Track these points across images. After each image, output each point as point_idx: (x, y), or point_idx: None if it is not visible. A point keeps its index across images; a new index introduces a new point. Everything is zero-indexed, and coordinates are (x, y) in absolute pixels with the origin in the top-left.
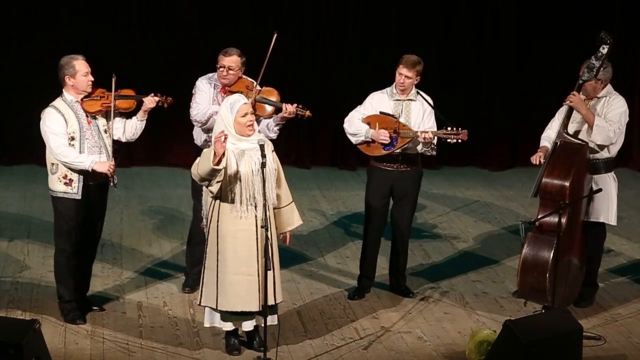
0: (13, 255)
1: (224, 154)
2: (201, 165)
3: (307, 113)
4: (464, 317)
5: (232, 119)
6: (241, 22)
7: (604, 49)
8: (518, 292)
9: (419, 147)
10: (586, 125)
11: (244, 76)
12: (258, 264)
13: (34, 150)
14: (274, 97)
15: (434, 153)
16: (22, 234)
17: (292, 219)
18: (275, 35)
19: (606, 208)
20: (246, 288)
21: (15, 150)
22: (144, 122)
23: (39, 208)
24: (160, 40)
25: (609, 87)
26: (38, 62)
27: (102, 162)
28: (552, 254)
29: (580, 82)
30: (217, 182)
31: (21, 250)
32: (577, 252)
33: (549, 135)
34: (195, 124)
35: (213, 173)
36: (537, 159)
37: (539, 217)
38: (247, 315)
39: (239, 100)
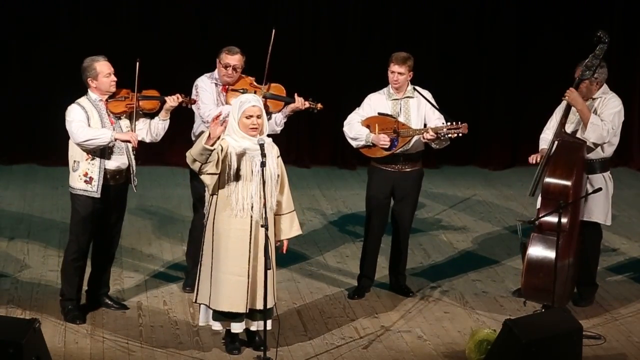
0: (13, 254)
1: (222, 140)
2: (195, 145)
3: (319, 106)
4: (464, 317)
5: (237, 117)
6: (240, 19)
7: (602, 48)
8: (522, 292)
9: (433, 145)
10: (582, 124)
11: (242, 74)
12: (249, 265)
13: (34, 150)
14: (282, 93)
15: (447, 143)
16: (22, 233)
17: (291, 228)
18: (274, 31)
19: (600, 208)
20: (235, 288)
21: (15, 150)
22: (167, 121)
23: (39, 207)
24: (160, 38)
25: (605, 87)
26: (39, 62)
27: (124, 132)
28: (558, 254)
29: (577, 80)
30: (210, 173)
31: (21, 250)
32: (575, 251)
33: (548, 136)
34: (207, 124)
35: (203, 152)
36: (534, 158)
37: (540, 216)
38: (235, 316)
39: (249, 101)
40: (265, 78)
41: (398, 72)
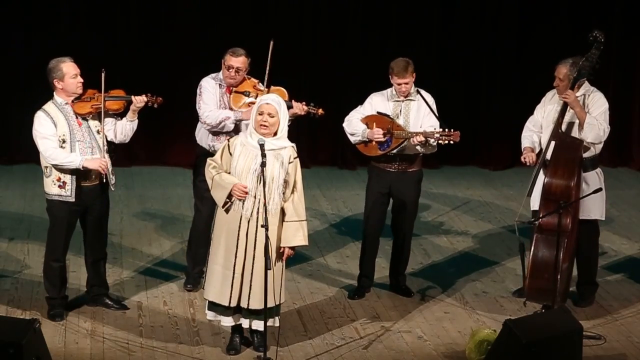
0: (13, 254)
1: (230, 197)
2: (216, 189)
3: (320, 111)
4: (464, 317)
5: (254, 113)
6: (241, 19)
7: (597, 48)
8: (525, 294)
9: (418, 148)
10: (577, 123)
11: (247, 76)
12: (235, 259)
13: (34, 150)
14: (284, 97)
15: (434, 150)
16: (22, 233)
17: (294, 237)
18: (272, 42)
19: (597, 205)
20: (220, 280)
21: (15, 150)
22: (135, 122)
23: (39, 207)
24: (160, 40)
25: (586, 83)
26: (38, 61)
27: (92, 159)
28: (562, 254)
29: (573, 80)
30: None
31: (21, 250)
32: (574, 250)
33: (532, 136)
34: (204, 125)
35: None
36: (529, 159)
37: (541, 216)
38: (224, 309)
39: (265, 99)
40: (265, 83)
41: (404, 83)
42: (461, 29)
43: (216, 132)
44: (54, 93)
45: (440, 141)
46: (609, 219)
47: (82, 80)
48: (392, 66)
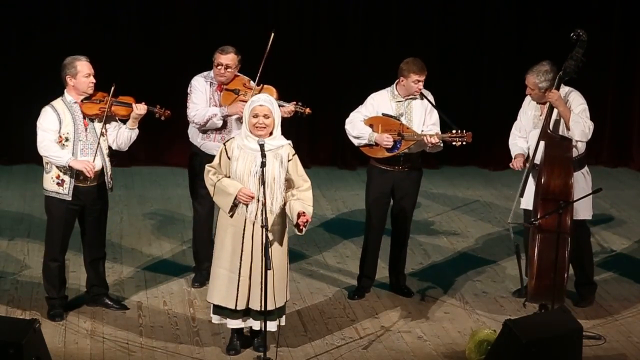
0: (13, 254)
1: (237, 204)
2: (219, 195)
3: (307, 110)
4: (464, 317)
5: (247, 116)
6: (240, 20)
7: (581, 47)
8: (529, 294)
9: (427, 148)
10: (562, 122)
11: (239, 74)
12: (241, 262)
13: (34, 150)
14: (273, 95)
15: (441, 149)
16: (22, 233)
17: (301, 208)
18: (273, 34)
19: (585, 205)
20: (226, 284)
21: (15, 150)
22: (135, 131)
23: (39, 208)
24: (159, 39)
25: (562, 86)
26: (38, 62)
27: (79, 160)
28: (566, 253)
29: (558, 79)
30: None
31: (21, 250)
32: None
33: (521, 143)
34: (193, 125)
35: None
36: (517, 164)
37: (541, 216)
38: (231, 312)
39: (257, 100)
40: (257, 80)
41: (422, 80)
42: (461, 28)
43: (205, 130)
44: (65, 90)
45: (454, 143)
46: (609, 219)
47: (94, 81)
48: (406, 67)
